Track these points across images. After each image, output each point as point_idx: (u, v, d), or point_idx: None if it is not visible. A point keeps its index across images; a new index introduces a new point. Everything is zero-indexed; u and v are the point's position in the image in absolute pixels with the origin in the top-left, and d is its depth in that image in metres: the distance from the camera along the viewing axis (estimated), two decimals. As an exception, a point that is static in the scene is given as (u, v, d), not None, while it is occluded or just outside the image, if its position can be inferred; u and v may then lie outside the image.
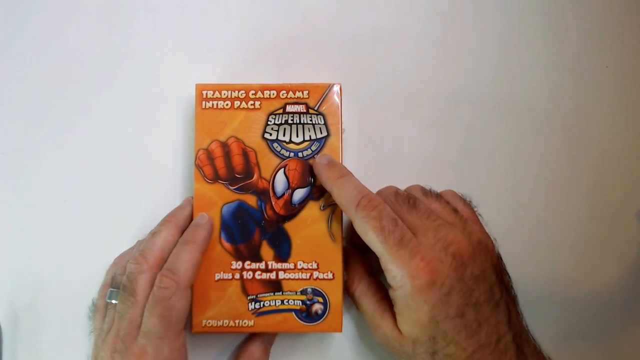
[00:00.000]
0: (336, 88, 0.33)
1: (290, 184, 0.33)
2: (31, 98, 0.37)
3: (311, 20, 0.38)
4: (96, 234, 0.36)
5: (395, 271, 0.28)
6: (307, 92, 0.33)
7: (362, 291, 0.32)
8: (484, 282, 0.28)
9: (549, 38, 0.38)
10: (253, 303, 0.32)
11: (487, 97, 0.38)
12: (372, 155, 0.37)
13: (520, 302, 0.31)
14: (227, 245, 0.33)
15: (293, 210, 0.33)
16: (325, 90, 0.33)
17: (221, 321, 0.32)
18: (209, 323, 0.32)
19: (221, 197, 0.33)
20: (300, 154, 0.33)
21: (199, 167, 0.33)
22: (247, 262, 0.32)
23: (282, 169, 0.33)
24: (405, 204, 0.30)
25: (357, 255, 0.34)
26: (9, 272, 0.36)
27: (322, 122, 0.33)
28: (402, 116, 0.37)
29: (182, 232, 0.32)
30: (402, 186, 0.33)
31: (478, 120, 0.38)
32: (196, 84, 0.33)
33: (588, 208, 0.37)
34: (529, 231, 0.36)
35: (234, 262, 0.32)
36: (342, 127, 0.33)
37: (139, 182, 0.37)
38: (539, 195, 0.37)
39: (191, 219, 0.33)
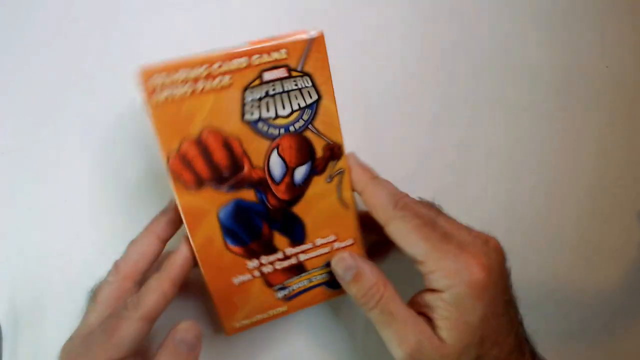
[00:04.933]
0: (318, 36, 0.27)
1: (288, 164, 0.28)
2: (31, 98, 0.37)
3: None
4: (96, 234, 0.36)
5: (444, 270, 0.26)
6: (284, 50, 0.26)
7: (390, 298, 0.28)
8: (509, 279, 0.28)
9: (549, 38, 0.38)
10: (281, 291, 0.31)
11: (486, 97, 0.38)
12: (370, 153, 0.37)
13: (520, 302, 0.30)
14: (235, 249, 0.29)
15: (298, 192, 0.29)
16: (306, 44, 0.26)
17: (254, 317, 0.30)
18: (242, 323, 0.31)
19: (213, 203, 0.28)
20: (291, 128, 0.28)
21: (176, 176, 0.27)
22: (263, 258, 0.30)
23: (275, 151, 0.28)
24: (430, 207, 0.29)
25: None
26: (9, 271, 0.36)
27: (310, 84, 0.27)
28: (402, 119, 0.37)
29: (165, 240, 0.29)
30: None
31: (478, 120, 0.38)
32: (140, 70, 0.25)
33: (588, 208, 0.37)
34: (529, 231, 0.36)
35: (249, 262, 0.30)
36: (333, 85, 0.28)
37: (139, 182, 0.37)
38: (539, 195, 0.37)
39: (176, 224, 0.29)
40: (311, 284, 0.31)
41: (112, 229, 0.36)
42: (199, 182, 0.27)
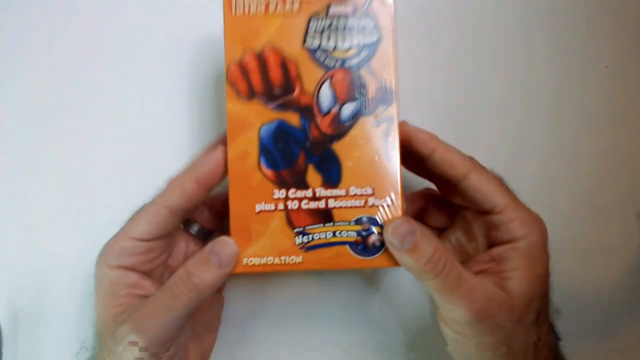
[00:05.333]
0: None
1: (338, 98, 0.28)
2: (31, 98, 0.37)
3: None
4: (96, 234, 0.36)
5: (522, 219, 0.27)
6: None
7: (453, 262, 0.26)
8: None
9: (549, 38, 0.38)
10: (301, 237, 0.28)
11: (486, 97, 0.38)
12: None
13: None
14: (267, 172, 0.28)
15: (342, 129, 0.28)
16: None
17: (265, 258, 0.28)
18: (251, 261, 0.28)
19: (259, 117, 0.28)
20: (348, 63, 0.28)
21: (232, 83, 0.28)
22: (292, 190, 0.28)
23: (328, 81, 0.28)
24: None
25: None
26: (9, 272, 0.36)
27: (373, 25, 0.28)
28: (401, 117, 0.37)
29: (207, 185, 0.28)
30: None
31: (477, 120, 0.38)
32: None
33: (588, 208, 0.37)
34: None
35: (276, 191, 0.28)
36: (395, 31, 0.29)
37: (140, 182, 0.36)
38: (539, 195, 0.37)
39: (222, 171, 0.28)
40: (334, 239, 0.28)
41: (113, 229, 0.36)
42: (251, 94, 0.28)
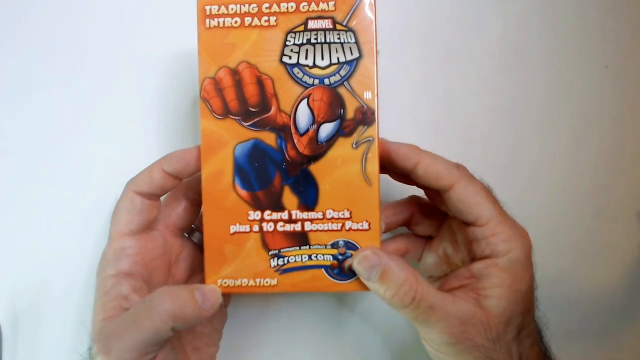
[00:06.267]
0: None
1: (316, 117, 0.27)
2: (32, 98, 0.37)
3: None
4: (96, 234, 0.36)
5: (505, 233, 0.27)
6: (332, 3, 0.27)
7: (424, 291, 0.26)
8: None
9: (549, 38, 0.38)
10: (275, 259, 0.28)
11: (486, 97, 0.38)
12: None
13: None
14: (242, 192, 0.28)
15: (319, 149, 0.27)
16: (355, 1, 0.27)
17: (239, 280, 0.28)
18: (225, 283, 0.28)
19: (233, 136, 0.27)
20: (326, 81, 0.27)
21: (205, 100, 0.27)
22: (267, 212, 0.28)
23: (305, 100, 0.27)
24: None
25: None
26: (9, 272, 0.36)
27: (353, 41, 0.27)
28: (400, 117, 0.37)
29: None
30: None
31: (477, 120, 0.38)
32: None
33: (588, 208, 0.37)
34: (529, 231, 0.36)
35: (251, 212, 0.28)
36: (377, 47, 0.27)
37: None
38: (539, 195, 0.37)
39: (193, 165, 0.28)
40: (310, 262, 0.28)
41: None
42: (226, 111, 0.27)
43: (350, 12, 0.27)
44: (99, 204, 0.36)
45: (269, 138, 0.28)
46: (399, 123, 0.37)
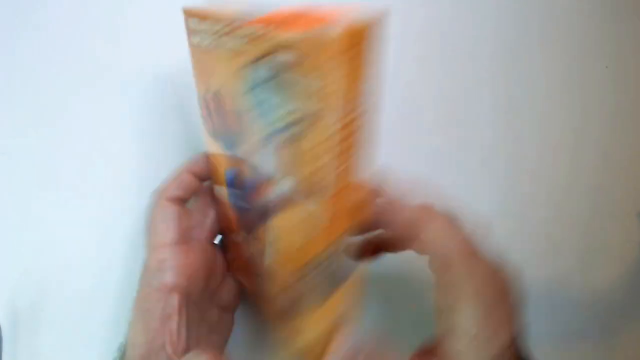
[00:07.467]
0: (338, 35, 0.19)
1: (278, 168, 0.24)
2: (31, 98, 0.37)
3: None
4: (96, 234, 0.36)
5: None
6: (299, 35, 0.20)
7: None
8: None
9: (549, 38, 0.38)
10: None
11: (486, 97, 0.38)
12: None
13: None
14: (235, 211, 0.27)
15: (273, 205, 0.25)
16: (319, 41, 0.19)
17: None
18: None
19: (222, 161, 0.26)
20: (288, 131, 0.22)
21: (203, 118, 0.26)
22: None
23: (272, 144, 0.23)
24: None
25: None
26: (9, 272, 0.36)
27: (318, 87, 0.20)
28: (401, 117, 0.37)
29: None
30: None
31: (477, 119, 0.38)
32: (183, 9, 0.24)
33: (588, 208, 0.37)
34: (529, 231, 0.36)
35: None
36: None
37: (140, 182, 0.36)
38: (539, 195, 0.37)
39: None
40: None
41: (112, 231, 0.36)
42: (215, 134, 0.26)
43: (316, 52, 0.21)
44: (99, 204, 0.36)
45: (246, 170, 0.25)
46: (399, 123, 0.37)
